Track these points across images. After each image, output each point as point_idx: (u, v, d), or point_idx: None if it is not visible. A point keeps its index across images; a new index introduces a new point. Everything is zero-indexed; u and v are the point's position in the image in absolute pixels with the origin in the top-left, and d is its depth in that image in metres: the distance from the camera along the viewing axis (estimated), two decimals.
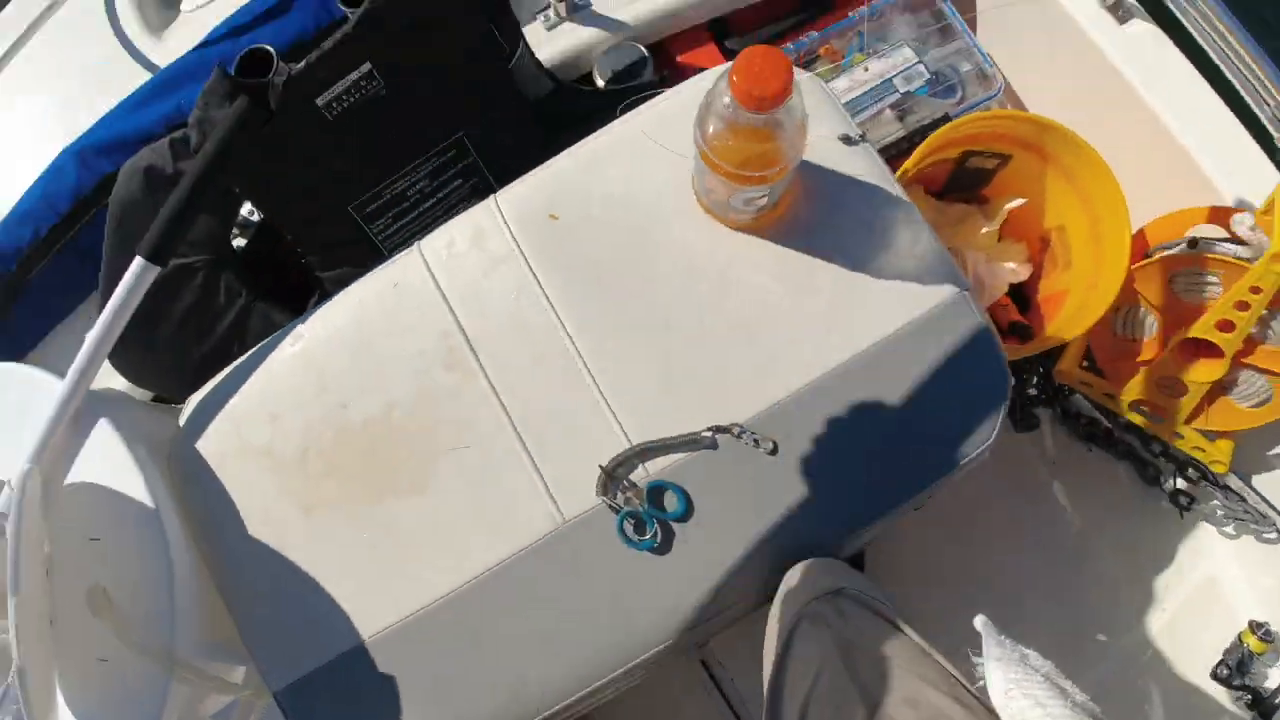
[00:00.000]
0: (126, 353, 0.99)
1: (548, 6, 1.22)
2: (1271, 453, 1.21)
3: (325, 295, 0.87)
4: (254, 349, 0.85)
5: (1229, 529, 1.28)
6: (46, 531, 0.72)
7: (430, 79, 0.93)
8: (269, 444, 0.82)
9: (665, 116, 0.85)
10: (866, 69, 1.24)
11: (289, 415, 0.82)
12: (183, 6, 1.37)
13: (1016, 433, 1.32)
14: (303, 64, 0.81)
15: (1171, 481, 1.28)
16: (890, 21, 1.28)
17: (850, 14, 1.28)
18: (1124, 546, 1.32)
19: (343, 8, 0.84)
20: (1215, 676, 1.19)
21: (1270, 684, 1.14)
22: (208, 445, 0.83)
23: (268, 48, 0.82)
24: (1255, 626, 1.17)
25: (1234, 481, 1.20)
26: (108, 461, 0.78)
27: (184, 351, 1.02)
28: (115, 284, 0.78)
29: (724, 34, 1.32)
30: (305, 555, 0.80)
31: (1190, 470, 1.24)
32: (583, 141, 0.86)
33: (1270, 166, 1.11)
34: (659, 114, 0.86)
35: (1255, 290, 0.97)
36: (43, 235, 1.12)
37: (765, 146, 0.69)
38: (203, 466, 0.83)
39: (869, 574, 1.30)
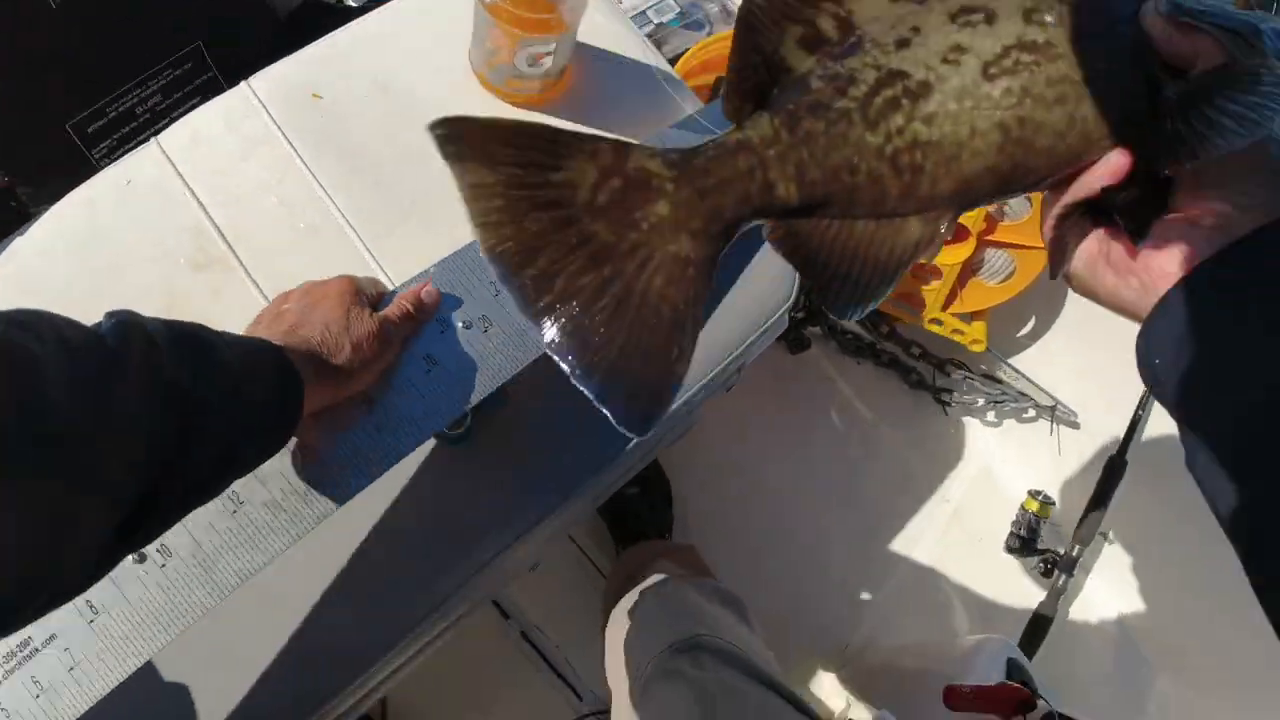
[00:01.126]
0: None
1: None
2: (1021, 334, 1.35)
3: None
4: None
5: (991, 416, 1.40)
6: None
7: None
8: None
9: (425, 6, 0.79)
10: (622, 2, 1.26)
11: None
12: None
13: (791, 354, 1.36)
14: None
15: (932, 379, 1.37)
16: None
17: None
18: (902, 448, 1.39)
19: None
20: (1010, 549, 1.27)
21: (1062, 546, 1.23)
22: None
23: None
24: (1034, 494, 1.28)
25: (988, 362, 1.32)
26: None
27: None
28: None
29: None
30: None
31: (948, 367, 1.34)
32: (344, 27, 0.77)
33: None
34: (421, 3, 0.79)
35: None
36: None
37: None
38: None
39: (680, 522, 1.27)
